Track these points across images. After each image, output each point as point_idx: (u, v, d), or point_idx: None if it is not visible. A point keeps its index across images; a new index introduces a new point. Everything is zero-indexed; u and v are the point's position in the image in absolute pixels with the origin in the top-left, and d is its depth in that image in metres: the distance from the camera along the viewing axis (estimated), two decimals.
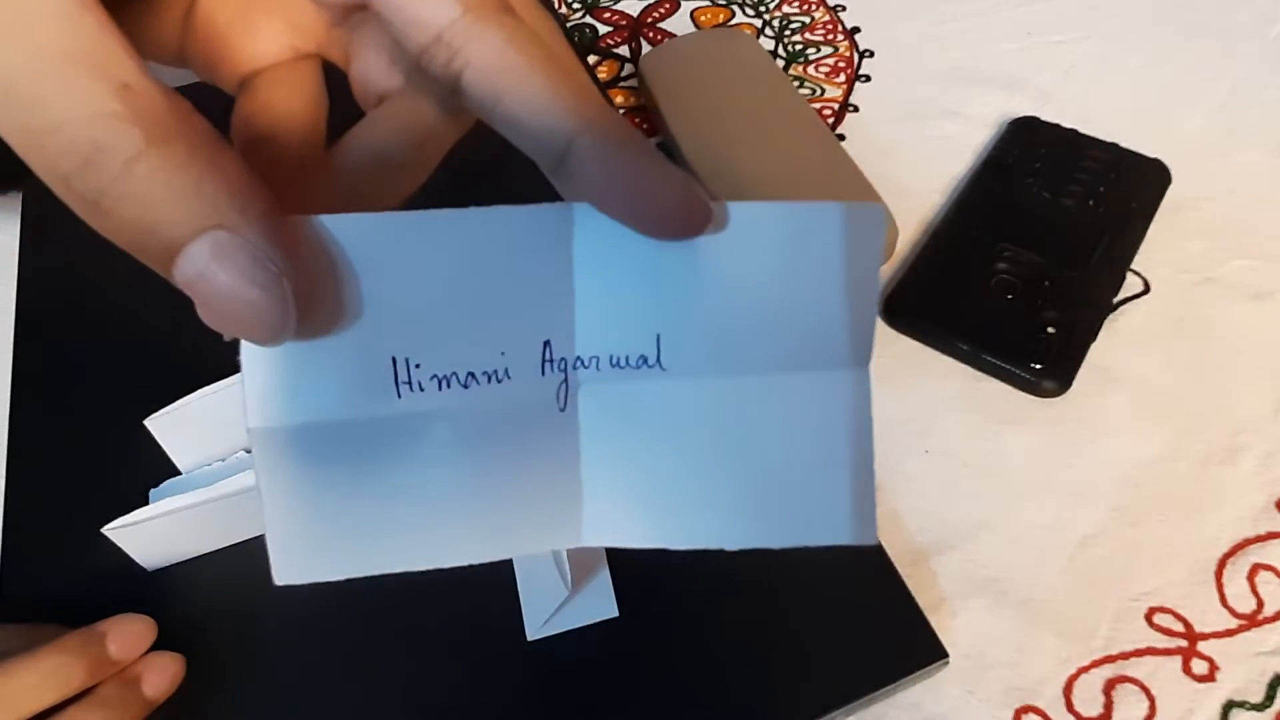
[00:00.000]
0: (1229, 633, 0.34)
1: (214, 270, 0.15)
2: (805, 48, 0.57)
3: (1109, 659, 0.33)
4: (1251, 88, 0.53)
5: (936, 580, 0.35)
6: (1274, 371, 0.41)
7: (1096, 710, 0.32)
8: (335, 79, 0.22)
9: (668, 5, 0.61)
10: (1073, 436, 0.39)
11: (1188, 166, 0.47)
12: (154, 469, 0.35)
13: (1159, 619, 0.34)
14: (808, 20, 0.59)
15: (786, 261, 0.19)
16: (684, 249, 0.18)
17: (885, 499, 0.37)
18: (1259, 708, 0.32)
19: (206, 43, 0.21)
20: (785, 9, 0.60)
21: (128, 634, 0.30)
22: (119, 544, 0.32)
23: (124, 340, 0.40)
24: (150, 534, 0.32)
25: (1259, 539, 0.36)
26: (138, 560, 0.33)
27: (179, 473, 0.35)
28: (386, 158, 0.20)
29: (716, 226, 0.18)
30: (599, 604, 0.32)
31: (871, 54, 0.57)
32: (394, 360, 0.18)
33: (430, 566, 0.19)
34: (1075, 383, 0.40)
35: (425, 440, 0.19)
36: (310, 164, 0.21)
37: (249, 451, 0.29)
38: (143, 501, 0.33)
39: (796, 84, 0.55)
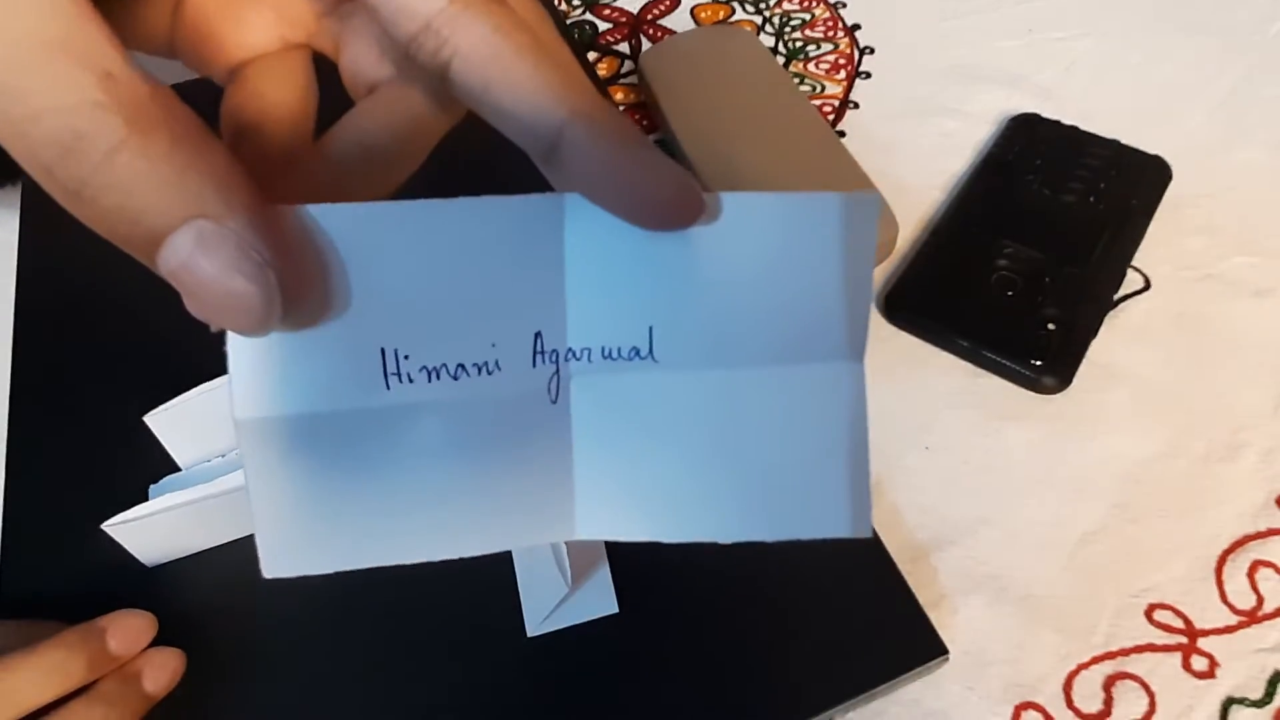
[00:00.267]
0: (1229, 629, 0.34)
1: (198, 260, 0.15)
2: (805, 44, 0.57)
3: (1109, 655, 0.33)
4: (1252, 85, 0.53)
5: (936, 577, 0.35)
6: (1274, 368, 0.41)
7: (1096, 707, 0.32)
8: (325, 69, 0.22)
9: (668, 2, 0.61)
10: (1073, 433, 0.39)
11: (1188, 163, 0.47)
12: (153, 465, 0.35)
13: (1159, 615, 0.34)
14: (808, 17, 0.59)
15: (780, 253, 0.18)
16: (677, 240, 0.18)
17: (885, 495, 0.37)
18: (1259, 704, 0.32)
19: (195, 33, 0.21)
20: (785, 6, 0.60)
21: (128, 629, 0.30)
22: (118, 540, 0.32)
23: (124, 336, 0.40)
24: (150, 530, 0.32)
25: (1259, 535, 0.36)
26: (137, 556, 0.33)
27: (178, 469, 0.35)
28: (376, 148, 0.20)
29: (709, 217, 0.18)
30: (599, 600, 0.32)
31: (872, 51, 0.57)
32: (383, 351, 0.18)
33: (421, 560, 0.19)
34: (1075, 379, 0.40)
35: (415, 432, 0.18)
36: (299, 154, 0.20)
37: None
38: (142, 497, 0.33)
39: (797, 81, 0.55)
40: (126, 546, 0.33)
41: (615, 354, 0.19)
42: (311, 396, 0.18)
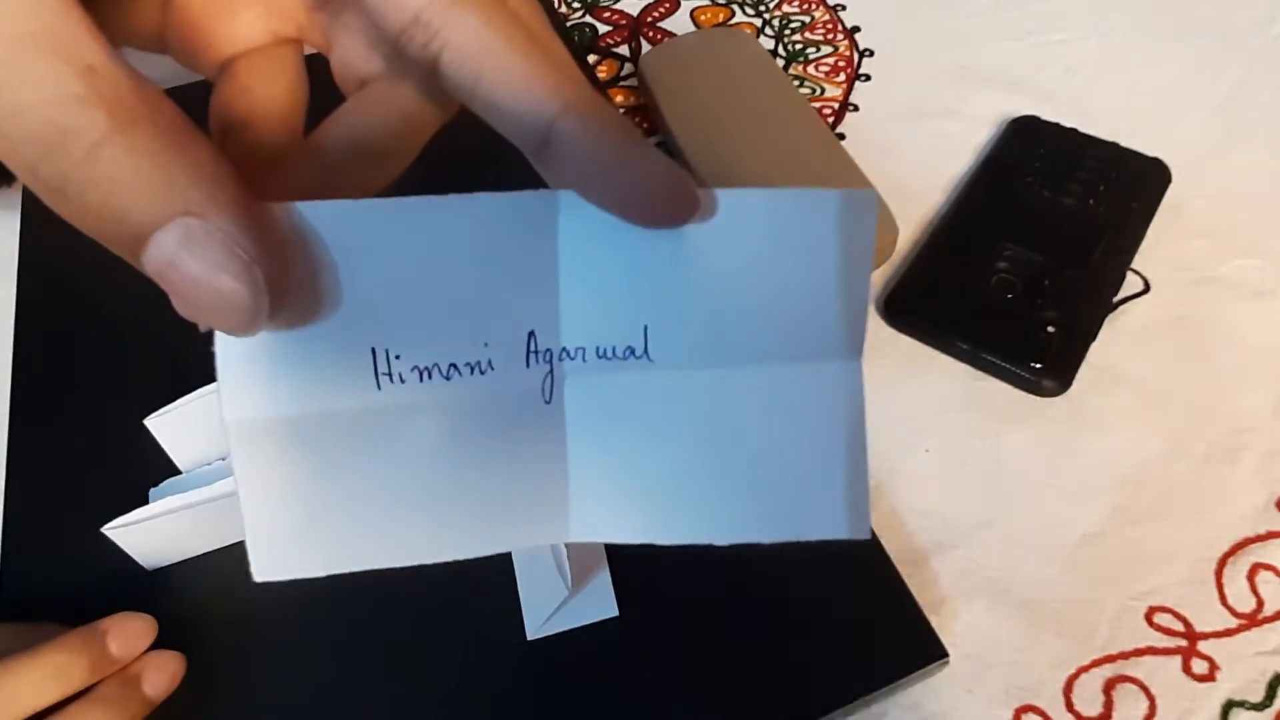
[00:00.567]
0: (1229, 632, 0.34)
1: (183, 258, 0.14)
2: (805, 47, 0.57)
3: (1109, 658, 0.33)
4: (1251, 87, 0.53)
5: (937, 580, 0.35)
6: (1274, 370, 0.41)
7: (1096, 710, 0.32)
8: (317, 65, 0.22)
9: (667, 4, 0.61)
10: (1073, 436, 0.39)
11: (1188, 165, 0.47)
12: (154, 468, 0.35)
13: (1159, 618, 0.34)
14: (808, 19, 0.59)
15: (777, 250, 0.18)
16: (672, 237, 0.18)
17: (885, 498, 0.37)
18: (1259, 707, 0.32)
19: (185, 28, 0.21)
20: (785, 8, 0.60)
21: (128, 632, 0.30)
22: (119, 543, 0.32)
23: (125, 339, 0.40)
24: (150, 533, 0.32)
25: (1259, 538, 0.36)
26: (138, 559, 0.33)
27: (179, 472, 0.35)
28: (366, 144, 0.20)
29: (705, 214, 0.18)
30: (599, 603, 0.32)
31: (871, 53, 0.57)
32: (373, 351, 0.17)
33: (414, 562, 0.19)
34: (1075, 382, 0.40)
35: (407, 433, 0.18)
36: (288, 150, 0.20)
37: None
38: (142, 501, 0.33)
39: (796, 83, 0.55)
40: (127, 550, 0.33)
41: (610, 353, 0.19)
42: (301, 397, 0.17)
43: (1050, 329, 0.41)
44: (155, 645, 0.31)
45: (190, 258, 0.14)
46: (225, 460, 0.35)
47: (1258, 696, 0.32)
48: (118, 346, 0.41)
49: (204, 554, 0.34)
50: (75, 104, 0.14)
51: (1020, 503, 0.37)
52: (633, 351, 0.19)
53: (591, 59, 0.57)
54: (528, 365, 0.19)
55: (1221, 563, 0.35)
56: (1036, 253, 0.43)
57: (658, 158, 0.17)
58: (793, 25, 0.59)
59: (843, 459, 0.19)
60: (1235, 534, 0.36)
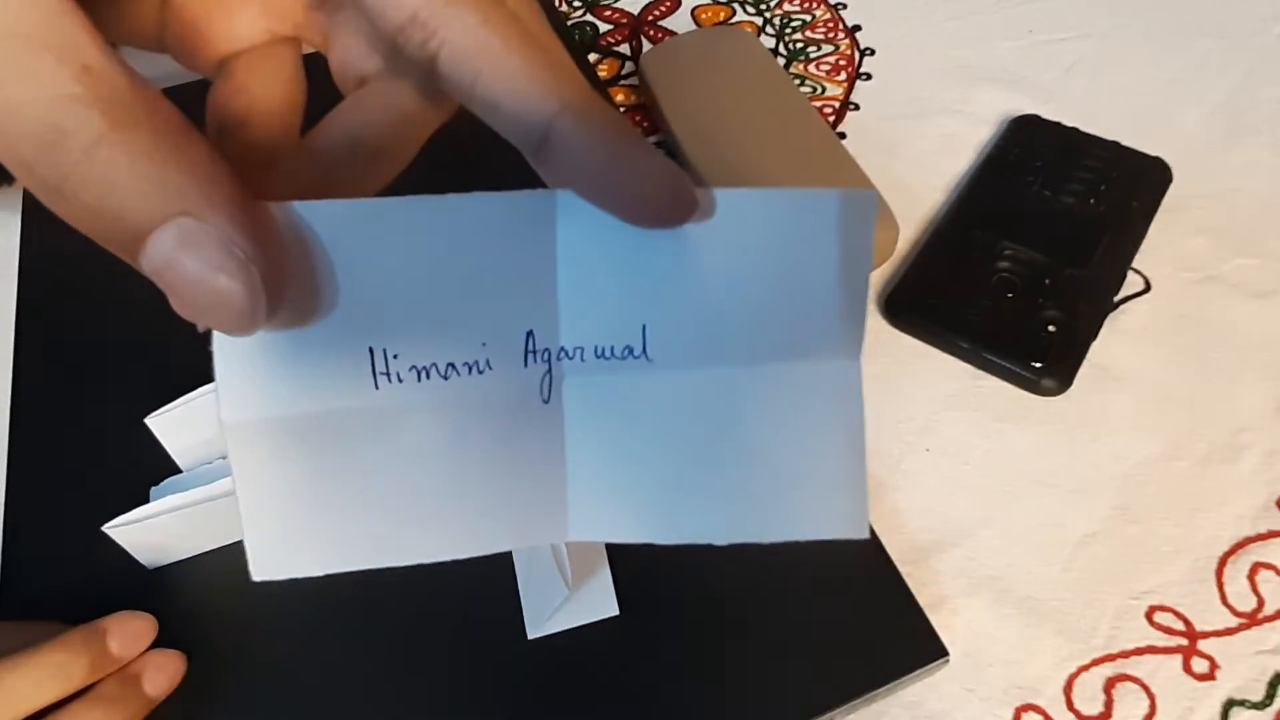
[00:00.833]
0: (1229, 631, 0.34)
1: (180, 258, 0.14)
2: (806, 46, 0.57)
3: (1109, 657, 0.33)
4: (1253, 86, 0.53)
5: (937, 578, 0.35)
6: (1275, 370, 0.41)
7: (1097, 709, 0.32)
8: (315, 63, 0.22)
9: (668, 3, 0.61)
10: (1073, 435, 0.39)
11: (1189, 165, 0.47)
12: (154, 467, 0.35)
13: (1159, 617, 0.34)
14: (808, 18, 0.59)
15: (776, 250, 0.18)
16: (671, 237, 0.18)
17: (886, 497, 0.37)
18: (1259, 706, 0.32)
19: (183, 26, 0.21)
20: (786, 7, 0.60)
21: (128, 631, 0.30)
22: (119, 542, 0.32)
23: (125, 338, 0.40)
24: (151, 532, 0.32)
25: (1259, 538, 0.36)
26: (138, 558, 0.33)
27: (179, 471, 0.35)
28: (364, 143, 0.20)
29: (704, 214, 0.18)
30: (599, 603, 0.32)
31: (872, 52, 0.57)
32: (371, 351, 0.17)
33: (412, 562, 0.19)
34: (1076, 381, 0.40)
35: (405, 433, 0.18)
36: (285, 149, 0.20)
37: None
38: (143, 499, 0.33)
39: (797, 82, 0.55)
40: (127, 548, 0.33)
41: (608, 353, 0.19)
42: (299, 397, 0.17)
43: (1051, 328, 0.41)
44: (156, 644, 0.31)
45: (187, 257, 0.14)
46: (226, 459, 0.35)
47: (1258, 695, 0.32)
48: (118, 346, 0.41)
49: (204, 553, 0.34)
50: (72, 104, 0.14)
51: (1021, 501, 0.37)
52: (631, 351, 0.19)
53: (592, 57, 0.57)
54: (526, 365, 0.19)
55: (1222, 562, 0.35)
56: (1037, 252, 0.43)
57: (656, 157, 0.17)
58: (793, 24, 0.59)
59: (841, 458, 0.19)
60: (1236, 533, 0.36)
